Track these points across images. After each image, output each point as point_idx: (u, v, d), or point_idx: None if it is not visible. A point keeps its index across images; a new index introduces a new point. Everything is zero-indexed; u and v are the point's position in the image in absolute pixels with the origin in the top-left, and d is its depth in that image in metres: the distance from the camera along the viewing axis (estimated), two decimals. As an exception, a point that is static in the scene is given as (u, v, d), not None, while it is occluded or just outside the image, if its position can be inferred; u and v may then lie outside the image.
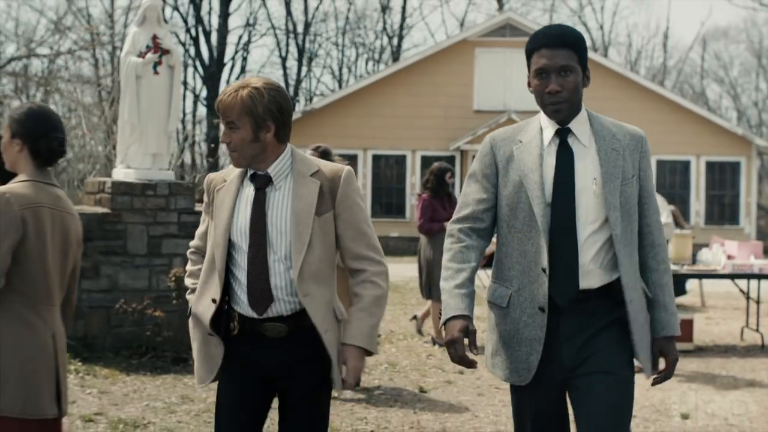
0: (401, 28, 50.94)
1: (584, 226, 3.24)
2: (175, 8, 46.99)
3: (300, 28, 49.97)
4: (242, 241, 3.32)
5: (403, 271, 18.74)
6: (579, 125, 3.33)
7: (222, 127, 3.43)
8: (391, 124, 25.66)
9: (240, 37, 49.77)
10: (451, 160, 25.45)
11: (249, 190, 3.39)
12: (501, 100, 25.26)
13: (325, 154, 7.41)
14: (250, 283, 3.30)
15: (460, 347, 3.24)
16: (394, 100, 25.86)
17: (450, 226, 3.46)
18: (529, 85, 3.34)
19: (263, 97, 3.30)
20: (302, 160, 3.43)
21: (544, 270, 3.22)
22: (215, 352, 3.37)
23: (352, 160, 26.07)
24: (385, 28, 51.46)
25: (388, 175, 26.24)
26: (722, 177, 26.21)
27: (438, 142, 25.55)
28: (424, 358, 8.95)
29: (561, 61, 3.23)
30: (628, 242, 3.28)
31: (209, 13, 47.80)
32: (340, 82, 52.10)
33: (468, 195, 3.45)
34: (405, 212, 25.88)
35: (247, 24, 49.98)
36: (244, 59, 50.36)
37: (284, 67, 49.48)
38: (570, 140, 3.32)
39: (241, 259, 3.32)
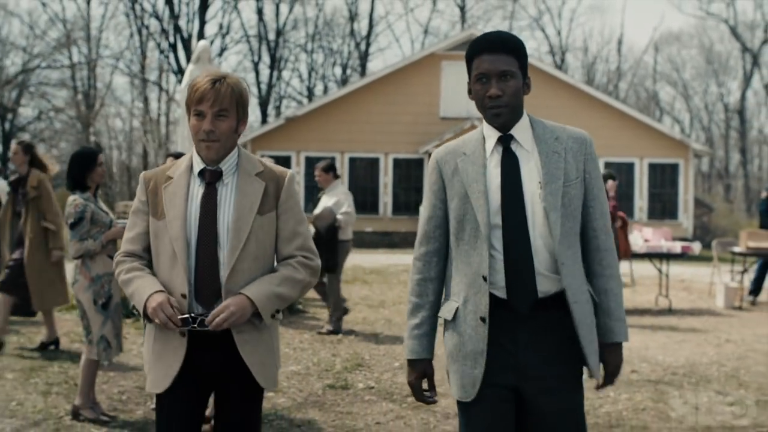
0: (368, 35, 53.34)
1: (536, 231, 3.13)
2: (155, 16, 49.30)
3: (272, 36, 52.28)
4: (191, 237, 3.25)
5: (380, 259, 21.58)
6: (521, 131, 3.22)
7: (194, 117, 3.28)
8: (366, 129, 28.13)
9: (212, 42, 51.90)
10: (420, 162, 28.11)
11: (196, 186, 3.31)
12: (465, 108, 27.62)
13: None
14: (198, 278, 3.24)
15: (417, 391, 3.32)
16: (369, 108, 28.29)
17: (414, 251, 3.40)
18: (469, 92, 3.25)
19: (244, 90, 3.31)
20: (248, 159, 3.38)
21: (484, 278, 3.11)
22: (174, 358, 3.27)
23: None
24: (353, 34, 53.85)
25: (363, 176, 28.59)
26: (663, 177, 28.83)
27: (408, 146, 28.06)
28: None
29: (502, 66, 3.13)
30: (570, 244, 3.16)
31: (187, 22, 49.90)
32: (309, 87, 54.57)
33: (422, 214, 3.40)
34: (378, 209, 28.35)
35: (220, 28, 52.21)
36: (220, 65, 52.53)
37: (256, 72, 51.80)
38: (513, 146, 3.21)
39: (190, 255, 3.25)
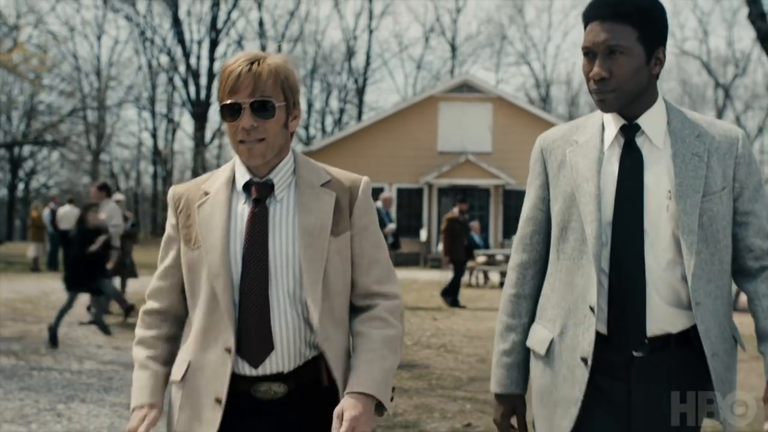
0: (365, 71, 57.21)
1: (656, 254, 2.45)
2: (168, 53, 53.06)
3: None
4: (234, 272, 2.46)
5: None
6: (652, 121, 2.50)
7: (227, 114, 2.42)
8: (373, 162, 31.47)
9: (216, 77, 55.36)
10: (420, 191, 31.78)
11: (240, 204, 2.51)
12: (460, 144, 31.42)
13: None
14: (243, 326, 2.44)
15: (504, 431, 2.73)
16: (375, 143, 31.89)
17: (510, 259, 2.76)
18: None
19: (291, 72, 2.49)
20: (308, 166, 2.56)
21: (591, 309, 2.45)
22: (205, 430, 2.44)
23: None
24: (350, 70, 57.70)
25: (370, 203, 32.21)
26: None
27: (410, 176, 31.64)
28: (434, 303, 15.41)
29: (610, 40, 2.41)
30: (712, 276, 2.47)
31: (198, 57, 53.56)
32: (305, 119, 58.27)
33: (522, 214, 2.73)
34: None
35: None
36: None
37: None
38: (639, 140, 2.50)
39: (233, 295, 2.46)
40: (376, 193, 32.15)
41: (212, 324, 2.48)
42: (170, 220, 2.61)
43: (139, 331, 2.66)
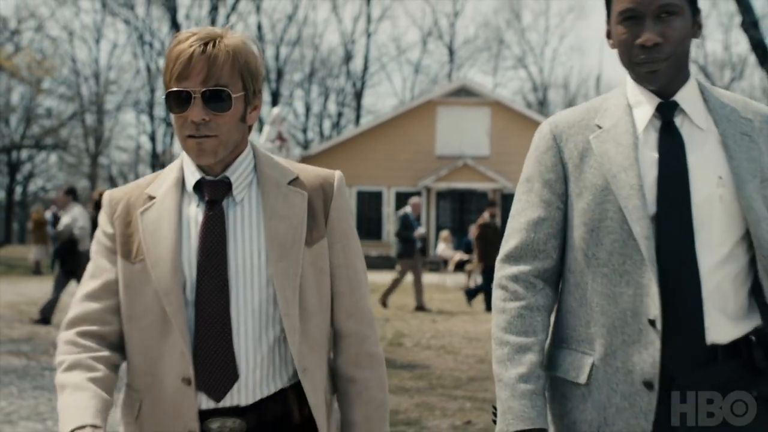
0: (363, 75, 57.46)
1: (708, 252, 2.08)
2: (164, 56, 53.19)
3: (273, 75, 56.34)
4: (188, 286, 2.10)
5: (387, 277, 25.31)
6: (690, 98, 2.16)
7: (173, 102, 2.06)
8: (372, 166, 31.83)
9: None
10: (417, 195, 31.95)
11: (192, 208, 2.15)
12: (458, 148, 31.58)
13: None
14: (200, 351, 2.07)
15: None
16: (374, 147, 32.04)
17: (499, 271, 2.27)
18: (608, 36, 2.19)
19: (252, 55, 2.13)
20: (271, 163, 2.21)
21: (651, 322, 2.05)
22: None
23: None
24: (348, 74, 57.96)
25: (368, 206, 32.33)
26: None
27: (408, 180, 31.76)
28: (429, 312, 15.66)
29: None
30: None
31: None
32: (304, 122, 58.58)
33: (520, 214, 2.29)
34: (381, 235, 32.23)
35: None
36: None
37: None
38: (678, 121, 2.15)
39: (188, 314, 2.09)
40: (375, 197, 32.77)
41: (164, 351, 2.09)
42: (105, 228, 2.21)
43: (69, 357, 2.10)
